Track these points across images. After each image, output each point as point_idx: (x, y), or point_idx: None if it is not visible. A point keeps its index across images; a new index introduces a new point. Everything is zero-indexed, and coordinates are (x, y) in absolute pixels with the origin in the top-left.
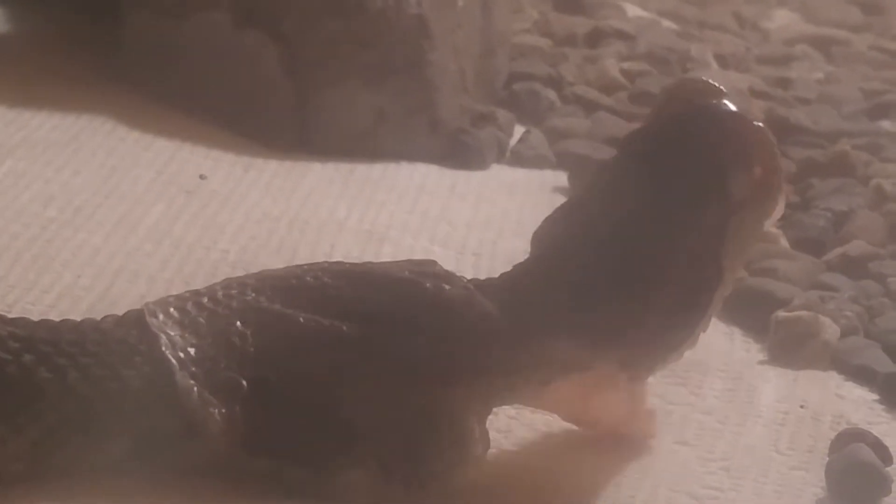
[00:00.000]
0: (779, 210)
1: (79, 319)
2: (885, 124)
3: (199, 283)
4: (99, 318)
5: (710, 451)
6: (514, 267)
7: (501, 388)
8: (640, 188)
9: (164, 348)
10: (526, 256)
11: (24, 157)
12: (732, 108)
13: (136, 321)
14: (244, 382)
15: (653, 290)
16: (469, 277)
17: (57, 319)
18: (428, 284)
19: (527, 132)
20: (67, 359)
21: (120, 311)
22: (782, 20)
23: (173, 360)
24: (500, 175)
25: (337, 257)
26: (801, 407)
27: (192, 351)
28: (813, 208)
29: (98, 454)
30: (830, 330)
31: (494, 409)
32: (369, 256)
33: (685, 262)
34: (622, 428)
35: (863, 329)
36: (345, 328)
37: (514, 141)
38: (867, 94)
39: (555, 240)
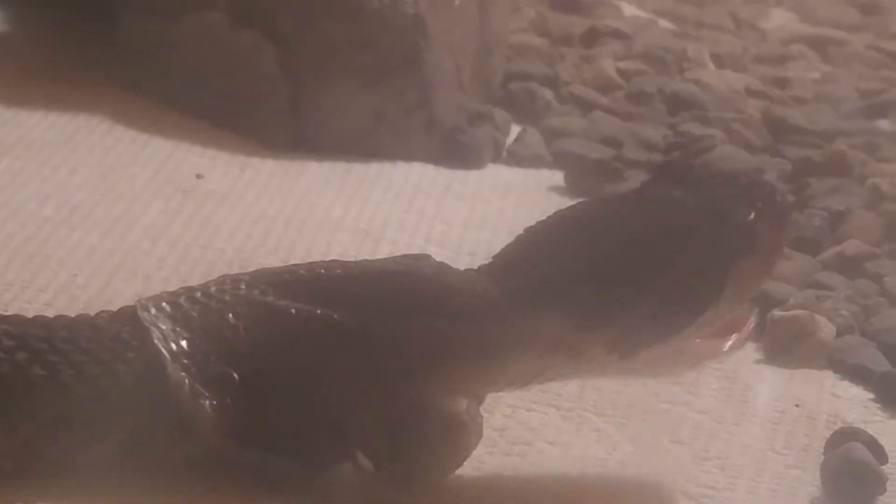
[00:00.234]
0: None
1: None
2: (882, 124)
3: (195, 282)
4: (93, 314)
5: (706, 450)
6: (508, 246)
7: (494, 370)
8: (660, 199)
9: (156, 341)
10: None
11: (20, 156)
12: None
13: (129, 317)
14: (236, 375)
15: (647, 280)
16: None
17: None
18: (426, 269)
19: (523, 131)
20: (61, 356)
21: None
22: (779, 20)
23: (165, 353)
24: (496, 174)
25: (333, 256)
26: (797, 406)
27: (183, 344)
28: (809, 208)
29: (91, 452)
30: (826, 329)
31: (489, 410)
32: (365, 255)
33: (684, 268)
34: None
35: (858, 328)
36: (338, 316)
37: (510, 140)
38: (864, 94)
39: (551, 226)
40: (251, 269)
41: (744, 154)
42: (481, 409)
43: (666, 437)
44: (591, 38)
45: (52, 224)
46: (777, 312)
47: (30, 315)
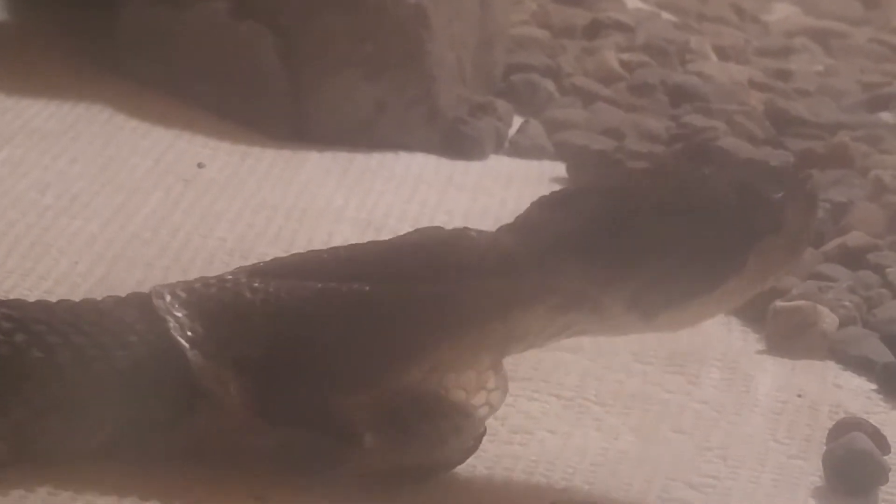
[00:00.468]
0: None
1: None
2: (885, 116)
3: (196, 271)
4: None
5: (707, 440)
6: (527, 210)
7: (519, 326)
8: (688, 174)
9: (172, 330)
10: None
11: (21, 145)
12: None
13: (138, 303)
14: (257, 354)
15: (669, 242)
16: None
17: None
18: (443, 233)
19: (525, 123)
20: (60, 338)
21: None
22: (782, 12)
23: (183, 341)
24: (498, 165)
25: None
26: (799, 396)
27: (201, 329)
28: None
29: (88, 437)
30: (828, 320)
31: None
32: None
33: (708, 236)
34: None
35: (861, 319)
36: (361, 286)
37: (512, 131)
38: (866, 87)
39: (571, 192)
40: (252, 258)
41: (746, 146)
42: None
43: (667, 426)
44: (594, 29)
45: (52, 213)
46: (779, 303)
47: None
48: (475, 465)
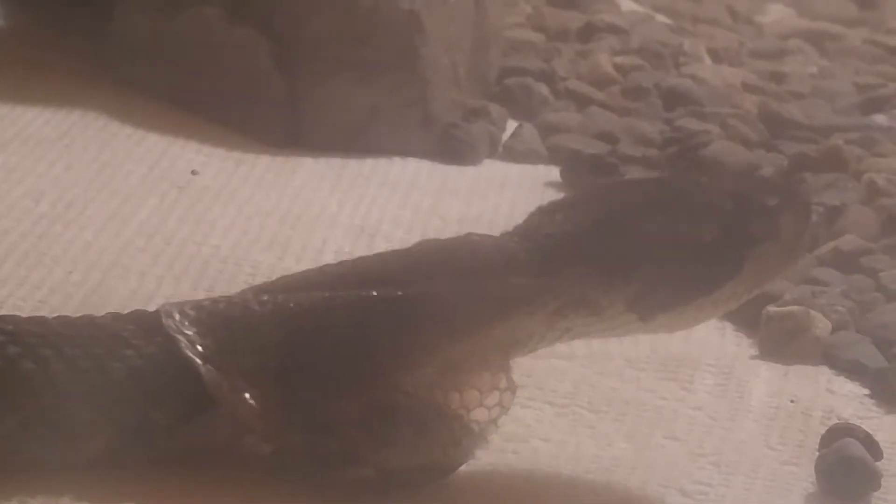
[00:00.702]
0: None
1: (70, 314)
2: (879, 119)
3: (190, 278)
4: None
5: (700, 446)
6: (529, 216)
7: (521, 328)
8: (687, 181)
9: (184, 349)
10: None
11: (15, 153)
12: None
13: (141, 319)
14: (269, 363)
15: (668, 246)
16: None
17: (48, 314)
18: (447, 239)
19: (519, 127)
20: (53, 350)
21: (112, 307)
22: (776, 14)
23: (195, 358)
24: (492, 170)
25: (329, 253)
26: (792, 402)
27: (212, 344)
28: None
29: (78, 449)
30: (821, 325)
31: None
32: (361, 251)
33: (706, 241)
34: None
35: (854, 324)
36: (373, 292)
37: (506, 136)
38: (861, 89)
39: (574, 197)
40: (246, 265)
41: (740, 149)
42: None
43: (660, 433)
44: (588, 33)
45: (47, 220)
46: (772, 308)
47: (25, 312)
48: (468, 473)
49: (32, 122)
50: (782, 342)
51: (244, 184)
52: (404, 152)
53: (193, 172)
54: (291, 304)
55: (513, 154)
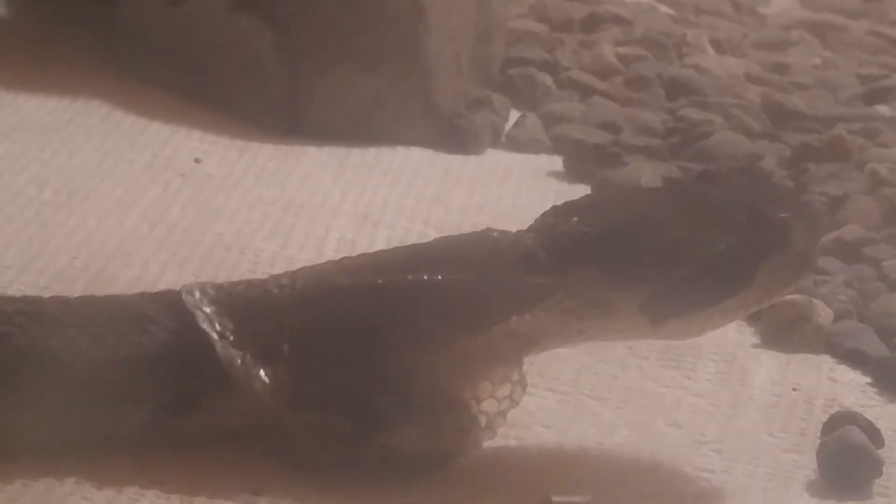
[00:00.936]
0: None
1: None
2: (882, 109)
3: (193, 266)
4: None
5: (703, 434)
6: (542, 215)
7: (535, 328)
8: (702, 192)
9: (201, 324)
10: None
11: (19, 140)
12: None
13: (171, 301)
14: (286, 345)
15: (681, 252)
16: None
17: None
18: (464, 235)
19: (522, 117)
20: (46, 328)
21: (114, 293)
22: (779, 5)
23: (212, 334)
24: (495, 159)
25: (332, 241)
26: (794, 390)
27: (230, 323)
28: (808, 193)
29: (77, 428)
30: (824, 314)
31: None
32: (364, 240)
33: (719, 250)
34: None
35: (856, 313)
36: (386, 280)
37: (509, 125)
38: (864, 80)
39: (588, 199)
40: (250, 253)
41: (743, 139)
42: None
43: (663, 420)
44: (591, 23)
45: (50, 208)
46: None
47: None
48: (470, 459)
49: (36, 110)
50: (785, 331)
51: (247, 172)
52: (407, 142)
53: (197, 161)
54: (310, 289)
55: (516, 144)
